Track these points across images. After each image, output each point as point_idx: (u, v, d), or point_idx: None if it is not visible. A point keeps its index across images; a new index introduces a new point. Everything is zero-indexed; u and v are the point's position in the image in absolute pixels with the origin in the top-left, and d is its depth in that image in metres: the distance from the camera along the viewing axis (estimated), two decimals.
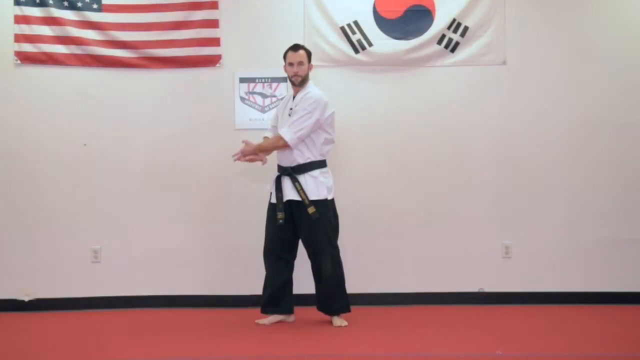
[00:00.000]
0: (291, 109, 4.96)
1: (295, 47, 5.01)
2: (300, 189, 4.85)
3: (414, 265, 5.68)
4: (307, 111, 4.86)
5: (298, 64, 4.95)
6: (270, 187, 5.03)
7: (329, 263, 4.87)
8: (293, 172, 4.91)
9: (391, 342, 4.51)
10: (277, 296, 5.03)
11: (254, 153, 4.94)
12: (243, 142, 4.94)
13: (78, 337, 4.74)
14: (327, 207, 4.90)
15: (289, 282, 5.06)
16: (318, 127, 4.90)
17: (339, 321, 4.94)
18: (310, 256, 4.97)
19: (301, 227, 4.91)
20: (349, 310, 5.00)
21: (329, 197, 4.94)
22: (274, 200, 4.98)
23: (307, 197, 4.83)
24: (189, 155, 5.64)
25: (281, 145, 4.87)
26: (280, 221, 4.88)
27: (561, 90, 5.72)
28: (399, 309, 5.51)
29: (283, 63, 5.04)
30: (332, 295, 4.94)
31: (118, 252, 5.61)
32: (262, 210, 5.50)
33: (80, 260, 5.59)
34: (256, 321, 5.06)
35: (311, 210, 4.81)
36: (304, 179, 4.89)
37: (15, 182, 5.58)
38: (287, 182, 4.92)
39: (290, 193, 4.88)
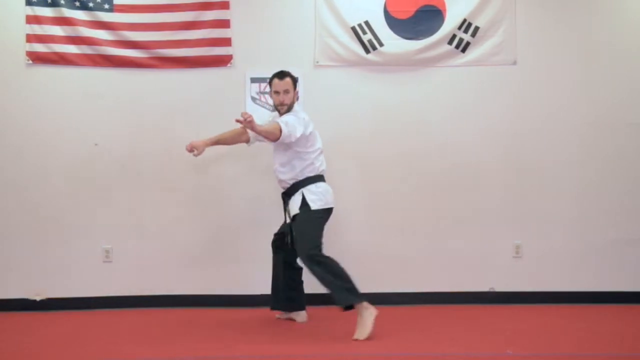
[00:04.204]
0: None
1: (282, 75, 4.90)
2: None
3: (424, 264, 5.69)
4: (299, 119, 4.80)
5: (284, 92, 4.87)
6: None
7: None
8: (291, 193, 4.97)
9: (401, 342, 4.52)
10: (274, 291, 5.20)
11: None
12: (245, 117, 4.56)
13: (89, 336, 4.75)
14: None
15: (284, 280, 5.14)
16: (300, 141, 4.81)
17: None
18: None
19: None
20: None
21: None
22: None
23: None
24: (200, 155, 5.63)
25: (271, 136, 4.71)
26: None
27: (571, 90, 5.73)
28: (409, 308, 5.53)
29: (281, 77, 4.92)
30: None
31: (129, 252, 5.62)
32: (271, 211, 5.54)
33: (92, 260, 5.60)
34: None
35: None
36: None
37: (27, 182, 5.58)
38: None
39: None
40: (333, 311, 5.31)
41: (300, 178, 4.87)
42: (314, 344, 4.50)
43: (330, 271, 4.69)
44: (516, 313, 5.38)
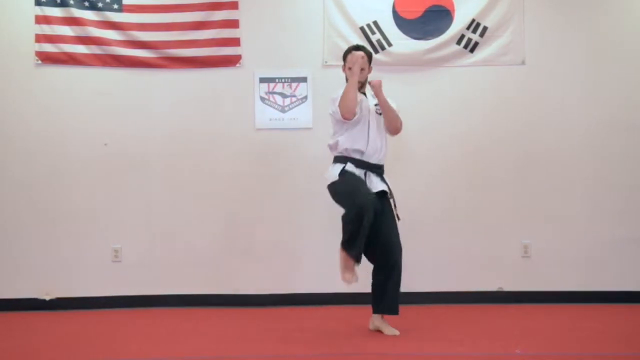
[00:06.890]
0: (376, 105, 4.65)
1: (357, 48, 4.64)
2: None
3: (433, 264, 5.69)
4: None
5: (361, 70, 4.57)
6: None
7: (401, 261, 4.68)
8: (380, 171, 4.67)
9: (409, 341, 4.51)
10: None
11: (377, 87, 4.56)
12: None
13: (98, 336, 4.75)
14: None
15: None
16: None
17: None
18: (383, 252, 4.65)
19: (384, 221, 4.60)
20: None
21: None
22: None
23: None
24: (209, 155, 5.66)
25: (398, 123, 4.64)
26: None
27: (580, 90, 5.73)
28: (418, 307, 5.51)
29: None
30: (397, 295, 4.66)
31: (138, 252, 5.64)
32: (280, 209, 5.58)
33: (101, 260, 5.62)
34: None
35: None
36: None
37: (36, 182, 5.60)
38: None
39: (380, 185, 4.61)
40: (335, 311, 5.34)
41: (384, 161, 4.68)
42: (316, 344, 4.49)
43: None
44: (525, 313, 5.37)
